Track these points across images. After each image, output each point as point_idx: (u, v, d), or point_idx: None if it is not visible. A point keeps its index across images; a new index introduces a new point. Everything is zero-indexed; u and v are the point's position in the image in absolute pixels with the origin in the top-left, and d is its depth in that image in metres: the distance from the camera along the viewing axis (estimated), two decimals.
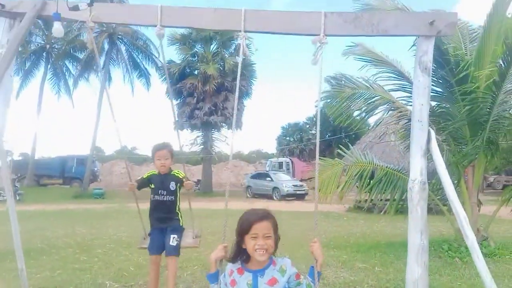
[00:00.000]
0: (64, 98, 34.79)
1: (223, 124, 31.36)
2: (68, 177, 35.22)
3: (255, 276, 2.21)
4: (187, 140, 31.96)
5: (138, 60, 32.37)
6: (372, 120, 8.23)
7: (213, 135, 32.21)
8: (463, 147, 6.86)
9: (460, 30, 6.91)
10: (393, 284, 4.87)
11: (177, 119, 27.15)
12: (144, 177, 4.35)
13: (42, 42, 33.00)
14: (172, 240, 4.09)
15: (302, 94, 73.57)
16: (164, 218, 4.22)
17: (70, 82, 33.73)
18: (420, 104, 3.02)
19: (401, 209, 7.15)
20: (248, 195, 28.40)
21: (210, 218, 14.17)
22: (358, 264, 5.92)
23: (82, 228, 10.84)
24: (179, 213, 4.31)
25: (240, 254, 2.26)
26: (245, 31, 3.00)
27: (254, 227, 2.17)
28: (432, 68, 6.49)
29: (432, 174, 7.37)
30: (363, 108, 6.87)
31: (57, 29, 2.82)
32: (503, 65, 5.90)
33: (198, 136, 31.78)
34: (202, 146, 31.97)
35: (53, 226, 11.17)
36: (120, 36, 30.90)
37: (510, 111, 6.81)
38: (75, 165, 35.37)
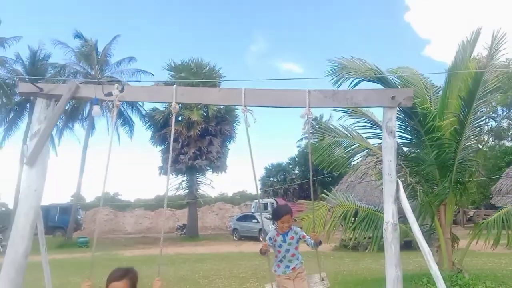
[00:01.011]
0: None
1: (208, 168, 31.92)
2: (51, 226, 34.64)
3: (284, 236, 4.22)
4: (172, 185, 32.32)
5: (122, 109, 33.01)
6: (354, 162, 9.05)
7: (198, 179, 32.63)
8: (434, 187, 7.62)
9: (424, 85, 7.85)
10: None
11: (161, 164, 27.57)
12: None
13: None
14: None
15: (284, 134, 75.02)
16: None
17: (54, 132, 34.05)
18: (389, 161, 3.74)
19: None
20: (234, 237, 28.57)
21: (200, 263, 14.47)
22: None
23: (76, 277, 11.01)
24: None
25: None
26: (246, 106, 3.71)
27: (282, 218, 4.18)
28: (404, 119, 7.39)
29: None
30: (344, 155, 7.62)
31: (97, 111, 3.48)
32: (461, 116, 6.78)
33: (183, 181, 32.14)
34: (188, 190, 32.28)
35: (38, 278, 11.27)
36: None
37: (471, 155, 7.65)
38: (58, 214, 34.98)
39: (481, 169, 35.70)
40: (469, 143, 7.63)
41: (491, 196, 16.69)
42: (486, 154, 35.70)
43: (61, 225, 33.27)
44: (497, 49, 6.76)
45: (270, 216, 5.20)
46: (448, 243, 7.59)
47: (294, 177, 46.03)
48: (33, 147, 3.70)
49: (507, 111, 34.32)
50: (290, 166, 48.52)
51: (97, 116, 4.49)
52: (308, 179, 31.38)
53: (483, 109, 7.26)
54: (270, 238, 4.27)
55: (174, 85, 3.79)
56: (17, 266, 3.54)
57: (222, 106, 31.27)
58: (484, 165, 34.40)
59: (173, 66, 30.86)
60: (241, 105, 3.69)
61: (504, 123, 35.40)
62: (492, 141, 37.46)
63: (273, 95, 3.78)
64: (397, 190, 3.72)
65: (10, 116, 32.80)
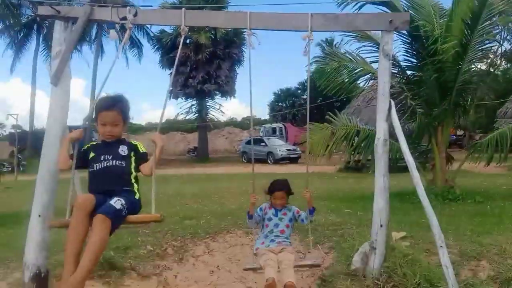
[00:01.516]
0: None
1: (217, 92, 32.19)
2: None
3: (277, 210, 3.92)
4: (182, 109, 32.91)
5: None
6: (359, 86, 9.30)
7: (207, 103, 33.06)
8: (434, 110, 7.92)
9: (433, 7, 7.81)
10: (371, 222, 6.02)
11: (171, 88, 27.85)
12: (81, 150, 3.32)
13: (32, 14, 32.93)
14: (115, 201, 2.89)
15: (293, 59, 73.70)
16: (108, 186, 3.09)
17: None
18: (383, 82, 4.03)
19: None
20: (243, 160, 29.61)
21: (211, 181, 15.39)
22: (344, 209, 7.10)
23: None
24: (134, 189, 3.20)
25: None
26: (250, 29, 3.95)
27: (275, 194, 3.87)
28: (410, 43, 7.52)
29: (406, 135, 8.52)
30: (347, 80, 7.86)
31: (114, 35, 3.75)
32: (464, 39, 6.89)
33: (193, 105, 32.63)
34: (197, 114, 32.89)
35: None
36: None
37: (474, 79, 7.84)
38: None
39: (491, 93, 35.54)
40: (472, 67, 7.77)
41: (495, 120, 16.91)
42: (498, 78, 35.29)
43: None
44: None
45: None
46: (443, 162, 8.06)
47: (302, 102, 46.20)
48: (56, 67, 4.03)
49: None
50: (299, 91, 48.46)
51: (114, 38, 4.60)
52: (317, 103, 31.67)
53: (488, 32, 7.28)
54: (260, 209, 3.91)
55: (183, 8, 3.99)
56: (51, 173, 4.05)
57: (230, 29, 30.79)
58: (495, 89, 34.16)
59: None
60: (246, 28, 3.92)
61: None
62: (505, 64, 36.72)
63: (277, 18, 3.99)
64: (389, 109, 4.04)
65: (19, 38, 32.67)
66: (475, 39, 7.07)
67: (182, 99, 32.18)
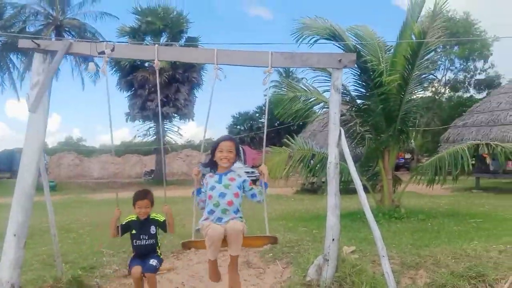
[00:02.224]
0: (9, 92, 33.94)
1: (175, 115, 32.32)
2: (16, 170, 34.63)
3: (220, 175, 3.54)
4: (139, 131, 32.74)
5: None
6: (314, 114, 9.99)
7: (165, 126, 33.05)
8: (381, 136, 8.68)
9: (378, 44, 8.67)
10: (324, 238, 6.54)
11: (128, 110, 27.69)
12: (123, 223, 4.29)
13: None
14: (152, 261, 4.19)
15: (251, 83, 75.17)
16: (146, 254, 4.29)
17: (15, 75, 33.07)
18: (334, 113, 4.61)
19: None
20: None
21: (172, 204, 15.42)
22: (300, 228, 7.60)
23: (57, 216, 11.72)
24: (158, 252, 4.42)
25: (211, 165, 3.65)
26: (218, 64, 4.42)
27: (220, 144, 3.52)
28: (360, 75, 8.25)
29: (357, 158, 9.25)
30: (301, 108, 8.49)
31: (92, 67, 4.12)
32: (405, 73, 7.73)
33: (150, 127, 32.53)
34: (155, 137, 32.78)
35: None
36: (67, 29, 30.65)
37: (414, 108, 8.72)
38: None
39: (437, 119, 37.75)
40: (413, 97, 8.65)
41: (439, 144, 18.27)
42: (443, 105, 37.88)
43: None
44: (439, 14, 7.67)
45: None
46: (390, 183, 8.79)
47: (260, 125, 47.10)
48: (35, 95, 4.31)
49: (464, 64, 36.03)
50: (257, 115, 49.45)
51: (92, 71, 4.79)
52: (274, 127, 32.55)
53: (425, 66, 8.20)
54: (203, 180, 3.64)
55: (156, 45, 4.43)
56: (27, 194, 4.28)
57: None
58: (440, 115, 36.58)
59: (139, 10, 30.09)
60: (214, 63, 4.39)
61: (461, 76, 37.21)
62: (449, 92, 39.49)
63: (241, 55, 4.50)
64: (339, 136, 4.61)
65: None
66: (414, 73, 7.95)
67: (139, 121, 32.05)
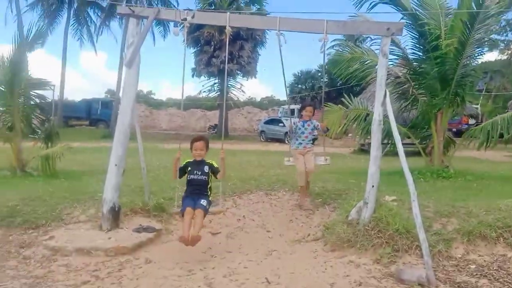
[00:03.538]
0: (87, 45, 36.45)
1: (238, 72, 33.25)
2: (94, 119, 37.92)
3: (303, 122, 6.82)
4: (204, 87, 34.17)
5: None
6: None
7: (229, 83, 34.16)
8: (435, 99, 8.97)
9: (439, 6, 8.78)
10: None
11: (194, 66, 28.97)
12: (182, 166, 5.08)
13: None
14: (202, 201, 4.92)
15: (315, 40, 73.51)
16: (198, 193, 5.01)
17: (92, 29, 35.45)
18: (381, 76, 5.18)
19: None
20: (262, 139, 30.85)
21: (232, 155, 16.66)
22: (350, 180, 8.33)
23: (131, 159, 13.30)
24: (209, 193, 5.10)
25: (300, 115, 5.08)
26: (279, 30, 5.12)
27: (306, 108, 6.83)
28: (418, 38, 8.51)
29: (410, 120, 9.63)
30: (359, 69, 8.96)
31: (176, 31, 4.98)
32: (462, 37, 7.91)
33: (215, 83, 33.80)
34: (219, 93, 34.08)
35: (101, 160, 13.48)
36: None
37: (472, 72, 8.86)
38: (100, 108, 38.04)
39: (508, 84, 35.44)
40: (471, 61, 8.79)
41: (506, 110, 17.64)
42: None
43: (103, 118, 36.36)
44: None
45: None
46: (441, 145, 9.14)
47: (322, 84, 46.93)
48: (130, 54, 5.31)
49: None
50: (319, 74, 49.13)
51: (176, 35, 5.57)
52: (335, 87, 32.52)
53: (484, 31, 8.26)
54: (294, 123, 6.85)
55: (228, 12, 5.19)
56: (125, 133, 5.39)
57: (254, 10, 31.77)
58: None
59: None
60: (276, 29, 5.10)
61: None
62: None
63: (300, 23, 5.15)
64: (384, 96, 5.20)
65: (51, 10, 34.01)
66: (473, 37, 8.07)
67: (204, 77, 33.39)
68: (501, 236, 4.95)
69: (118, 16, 32.84)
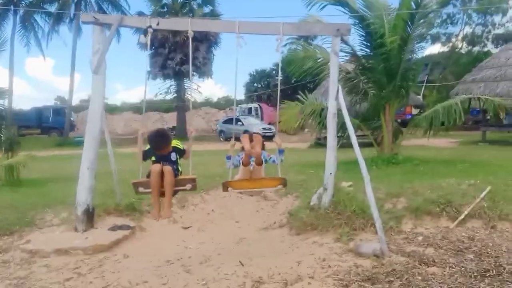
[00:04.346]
0: (35, 50, 35.22)
1: (194, 73, 33.33)
2: (45, 127, 36.67)
3: (251, 156, 4.99)
4: (160, 89, 34.03)
5: (108, 11, 33.11)
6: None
7: (185, 84, 34.21)
8: (383, 91, 9.69)
9: (383, 7, 9.51)
10: None
11: (149, 69, 28.85)
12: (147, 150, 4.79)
13: None
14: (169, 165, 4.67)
15: (269, 41, 74.63)
16: None
17: (39, 34, 34.25)
18: (333, 73, 5.69)
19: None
20: (221, 138, 31.14)
21: (194, 156, 16.84)
22: (309, 171, 8.87)
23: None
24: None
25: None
26: (239, 33, 5.51)
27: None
28: (365, 36, 9.13)
29: (360, 113, 10.33)
30: (313, 67, 9.53)
31: (143, 39, 5.24)
32: (404, 34, 8.65)
33: (171, 85, 33.74)
34: (175, 95, 34.05)
35: (63, 166, 13.28)
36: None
37: (414, 66, 9.67)
38: (52, 115, 36.86)
39: (453, 74, 37.67)
40: (411, 56, 9.61)
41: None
42: (459, 60, 37.84)
43: (55, 126, 35.27)
44: None
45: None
46: (390, 134, 9.90)
47: (277, 82, 47.62)
48: (97, 61, 5.52)
49: (482, 18, 35.70)
50: (274, 72, 49.94)
51: (143, 43, 5.58)
52: (290, 84, 33.35)
53: (423, 27, 9.08)
54: (238, 155, 5.12)
55: (189, 18, 5.53)
56: (95, 138, 5.59)
57: (207, 11, 32.06)
58: (454, 71, 36.67)
59: None
60: (236, 32, 5.47)
61: (478, 30, 36.92)
62: (466, 47, 39.28)
63: (258, 26, 5.60)
64: (337, 91, 5.72)
65: None
66: (412, 34, 8.86)
67: (160, 79, 33.25)
68: (444, 211, 5.62)
69: (67, 21, 32.27)
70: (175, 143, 4.88)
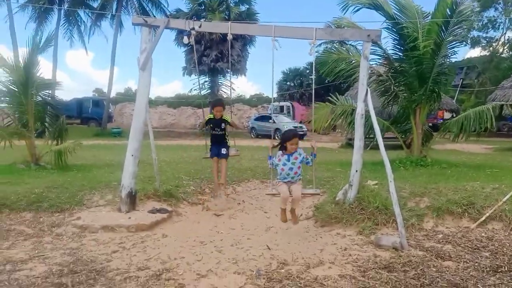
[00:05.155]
0: (77, 44, 36.73)
1: (228, 70, 33.99)
2: (85, 117, 38.30)
3: (288, 155, 5.33)
4: (195, 85, 34.87)
5: (148, 8, 34.23)
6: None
7: (219, 80, 34.92)
8: (414, 95, 9.86)
9: (416, 11, 9.67)
10: None
11: (185, 65, 29.71)
12: (205, 120, 7.39)
13: None
14: (223, 150, 7.24)
15: (302, 41, 74.56)
16: (219, 142, 7.30)
17: (82, 28, 35.78)
18: (363, 75, 5.99)
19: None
20: (252, 135, 31.64)
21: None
22: (337, 169, 9.18)
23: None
24: (227, 141, 7.41)
25: (282, 147, 5.39)
26: (274, 37, 5.91)
27: (291, 140, 5.26)
28: (399, 40, 9.38)
29: (391, 116, 10.53)
30: (345, 69, 9.81)
31: (186, 39, 5.73)
32: (437, 39, 8.80)
33: (205, 81, 34.51)
34: (210, 91, 34.79)
35: (103, 154, 14.12)
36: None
37: (446, 70, 9.78)
38: (91, 106, 38.45)
39: (493, 80, 36.72)
40: (444, 61, 9.72)
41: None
42: (499, 66, 36.83)
43: (94, 117, 36.77)
44: None
45: (280, 136, 5.59)
46: (419, 136, 10.06)
47: (310, 82, 47.82)
48: (144, 58, 6.06)
49: None
50: (307, 71, 50.05)
51: (186, 43, 6.33)
52: (323, 84, 33.46)
53: (457, 34, 9.18)
54: (272, 163, 5.43)
55: (229, 22, 5.97)
56: (140, 129, 6.14)
57: (243, 9, 32.58)
58: (494, 76, 35.71)
59: None
60: (272, 36, 5.88)
61: None
62: (507, 52, 38.16)
63: (292, 30, 5.96)
64: (366, 94, 6.02)
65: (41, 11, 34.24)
66: (447, 40, 8.99)
67: (196, 75, 34.08)
68: (466, 212, 5.83)
69: (109, 17, 33.60)
70: (224, 116, 7.16)
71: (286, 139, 5.31)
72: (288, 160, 5.31)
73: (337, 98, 10.96)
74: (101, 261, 4.46)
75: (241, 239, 5.38)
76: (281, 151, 5.39)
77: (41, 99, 9.61)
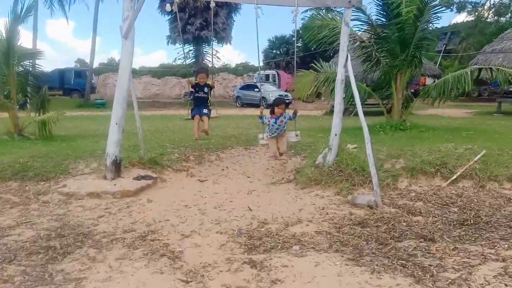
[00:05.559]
0: (58, 13, 35.76)
1: (213, 39, 33.52)
2: (67, 88, 37.61)
3: (275, 119, 6.38)
4: (179, 54, 34.42)
5: None
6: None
7: (204, 49, 34.49)
8: (395, 60, 9.98)
9: None
10: None
11: (169, 34, 29.19)
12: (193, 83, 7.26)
13: None
14: (205, 110, 7.06)
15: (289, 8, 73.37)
16: (202, 103, 7.13)
17: None
18: (343, 42, 6.07)
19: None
20: (237, 104, 31.61)
21: (213, 120, 17.46)
22: (319, 135, 9.38)
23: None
24: (209, 105, 7.24)
25: (271, 111, 6.01)
26: (257, 4, 5.91)
27: (279, 106, 6.44)
28: (379, 5, 9.40)
29: (373, 81, 10.67)
30: (328, 35, 9.83)
31: (168, 7, 5.70)
32: (420, 4, 8.87)
33: (190, 50, 34.07)
34: (194, 60, 34.40)
35: (87, 125, 14.07)
36: None
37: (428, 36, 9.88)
38: (74, 77, 37.76)
39: (477, 45, 36.81)
40: (426, 26, 9.82)
41: None
42: (483, 30, 36.92)
43: (76, 88, 36.19)
44: None
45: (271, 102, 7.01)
46: (400, 101, 10.26)
47: (296, 49, 47.48)
48: (126, 27, 6.04)
49: None
50: (294, 39, 49.56)
51: (168, 10, 6.26)
52: (309, 51, 33.32)
53: None
54: (265, 117, 6.56)
55: None
56: (123, 97, 6.19)
57: None
58: (479, 41, 35.84)
59: None
60: (254, 4, 5.88)
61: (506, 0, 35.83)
62: (492, 17, 38.18)
63: None
64: (346, 59, 6.12)
65: None
66: (430, 4, 9.07)
67: (180, 44, 33.55)
68: (439, 171, 6.11)
69: None
70: (208, 82, 7.18)
71: (276, 104, 6.62)
72: (275, 122, 6.56)
73: (321, 66, 11.03)
74: (88, 225, 4.63)
75: (224, 202, 5.58)
76: (270, 115, 6.53)
77: (22, 69, 9.49)
